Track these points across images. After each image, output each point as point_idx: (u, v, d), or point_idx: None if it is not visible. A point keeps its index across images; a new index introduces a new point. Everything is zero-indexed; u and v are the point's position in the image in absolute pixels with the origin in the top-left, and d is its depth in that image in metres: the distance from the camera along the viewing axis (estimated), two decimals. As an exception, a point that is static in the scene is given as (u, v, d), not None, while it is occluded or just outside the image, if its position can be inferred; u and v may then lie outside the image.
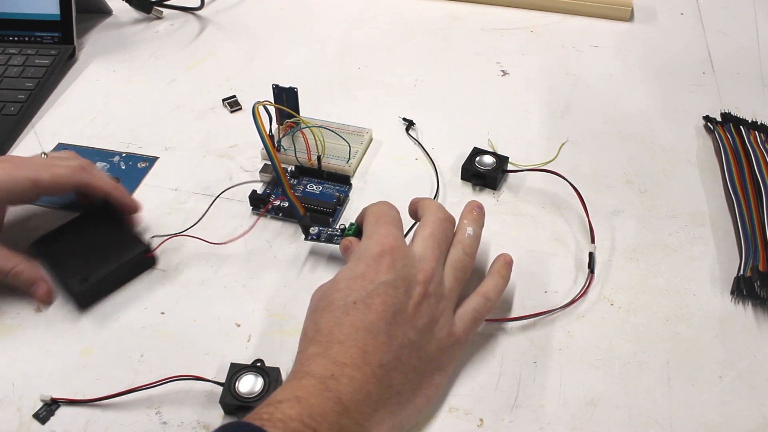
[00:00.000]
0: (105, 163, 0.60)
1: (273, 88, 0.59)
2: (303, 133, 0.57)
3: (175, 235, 0.51)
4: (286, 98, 0.58)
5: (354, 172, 0.59)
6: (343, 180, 0.57)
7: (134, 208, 0.53)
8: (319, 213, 0.53)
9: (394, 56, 0.74)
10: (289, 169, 0.57)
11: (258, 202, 0.54)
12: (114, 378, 0.43)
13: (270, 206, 0.54)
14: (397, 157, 0.61)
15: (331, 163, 0.58)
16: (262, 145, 0.60)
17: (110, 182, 0.52)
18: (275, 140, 0.59)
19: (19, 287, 0.48)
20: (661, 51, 0.74)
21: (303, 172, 0.57)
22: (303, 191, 0.56)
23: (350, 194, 0.57)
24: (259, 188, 0.56)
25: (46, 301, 0.48)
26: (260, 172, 0.56)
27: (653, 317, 0.47)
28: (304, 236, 0.51)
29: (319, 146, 0.56)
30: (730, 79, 0.70)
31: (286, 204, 0.52)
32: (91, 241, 0.50)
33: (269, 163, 0.56)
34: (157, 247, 0.51)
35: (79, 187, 0.50)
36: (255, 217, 0.54)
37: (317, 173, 0.57)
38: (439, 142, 0.62)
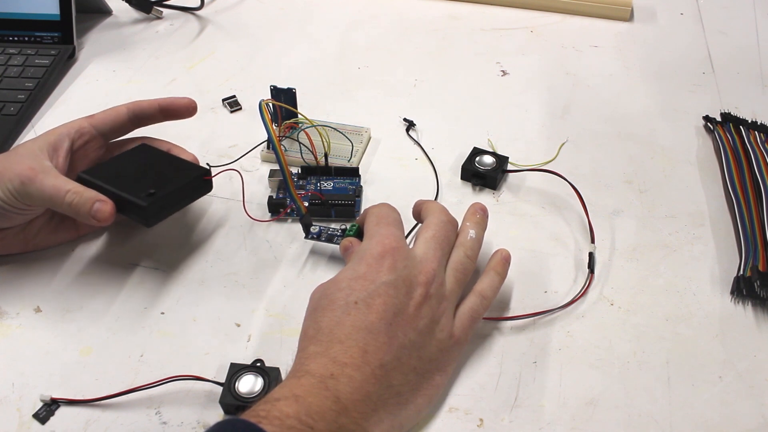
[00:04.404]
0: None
1: (271, 89, 0.59)
2: (307, 132, 0.57)
3: (229, 167, 0.54)
4: (284, 99, 0.58)
5: (356, 169, 0.59)
6: (352, 173, 0.57)
7: (191, 105, 0.52)
8: (342, 206, 0.53)
9: (394, 56, 0.74)
10: (295, 171, 0.57)
11: (276, 207, 0.54)
12: (114, 378, 0.43)
13: (289, 210, 0.54)
14: (396, 157, 0.61)
15: (332, 163, 0.57)
16: (262, 146, 0.60)
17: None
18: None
19: (78, 208, 0.45)
20: (661, 51, 0.74)
21: (309, 171, 0.57)
22: (316, 189, 0.55)
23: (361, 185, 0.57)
24: (270, 195, 0.56)
25: (108, 219, 0.45)
26: (269, 178, 0.56)
27: (653, 317, 0.47)
28: (304, 235, 0.51)
29: (325, 144, 0.56)
30: (730, 79, 0.70)
31: (306, 204, 0.52)
32: (145, 168, 0.50)
33: (275, 168, 0.56)
34: (215, 175, 0.51)
35: (130, 110, 0.51)
36: (274, 217, 0.54)
37: (325, 171, 0.57)
38: (439, 142, 0.62)
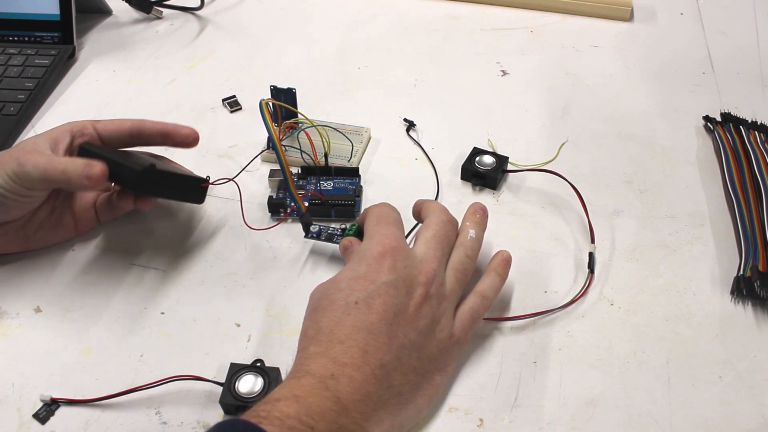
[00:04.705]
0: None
1: (271, 89, 0.59)
2: (307, 132, 0.57)
3: (228, 179, 0.54)
4: (284, 99, 0.58)
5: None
6: (352, 173, 0.57)
7: (192, 136, 0.52)
8: (342, 206, 0.53)
9: (394, 56, 0.74)
10: (295, 171, 0.57)
11: (276, 207, 0.54)
12: (114, 378, 0.43)
13: (291, 211, 0.54)
14: (397, 157, 0.61)
15: (332, 163, 0.57)
16: (262, 146, 0.60)
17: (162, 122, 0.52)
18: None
19: (71, 173, 0.44)
20: (661, 51, 0.74)
21: (309, 171, 0.57)
22: (316, 189, 0.55)
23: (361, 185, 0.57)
24: (270, 195, 0.56)
25: (100, 178, 0.45)
26: (269, 178, 0.56)
27: (653, 317, 0.47)
28: (304, 234, 0.51)
29: (325, 144, 0.56)
30: (730, 79, 0.70)
31: (306, 204, 0.52)
32: (147, 160, 0.51)
33: (275, 168, 0.56)
34: (213, 182, 0.53)
35: (133, 126, 0.51)
36: (275, 223, 0.54)
37: (325, 171, 0.57)
38: (439, 142, 0.62)
